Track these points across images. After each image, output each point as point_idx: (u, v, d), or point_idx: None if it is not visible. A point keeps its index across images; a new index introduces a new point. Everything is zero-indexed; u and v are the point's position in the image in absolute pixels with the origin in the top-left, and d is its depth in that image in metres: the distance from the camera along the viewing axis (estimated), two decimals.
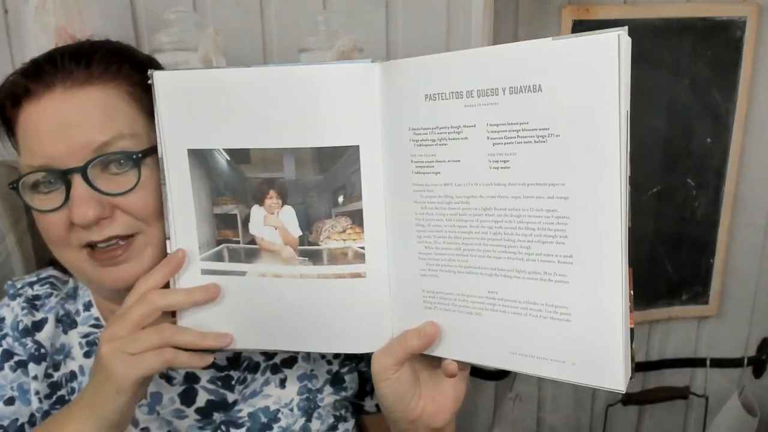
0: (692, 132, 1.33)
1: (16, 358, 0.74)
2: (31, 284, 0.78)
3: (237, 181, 0.64)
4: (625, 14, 1.25)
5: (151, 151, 0.67)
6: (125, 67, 0.69)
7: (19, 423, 0.72)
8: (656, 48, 1.26)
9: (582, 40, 0.50)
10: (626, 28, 0.50)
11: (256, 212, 0.64)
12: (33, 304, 0.76)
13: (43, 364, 0.74)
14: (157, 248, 0.68)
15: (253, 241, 0.65)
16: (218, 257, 0.66)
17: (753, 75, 1.31)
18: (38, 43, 1.04)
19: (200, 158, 0.64)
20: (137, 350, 0.59)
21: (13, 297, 0.76)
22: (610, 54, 0.49)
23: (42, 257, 1.20)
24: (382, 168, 0.61)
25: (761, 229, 1.42)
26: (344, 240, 0.62)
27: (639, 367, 1.49)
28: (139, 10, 1.08)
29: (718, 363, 1.51)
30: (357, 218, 0.62)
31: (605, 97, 0.50)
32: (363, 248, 0.62)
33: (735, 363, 1.51)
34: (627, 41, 0.50)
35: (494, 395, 1.49)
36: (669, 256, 1.39)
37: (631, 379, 0.55)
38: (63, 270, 0.78)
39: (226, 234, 0.65)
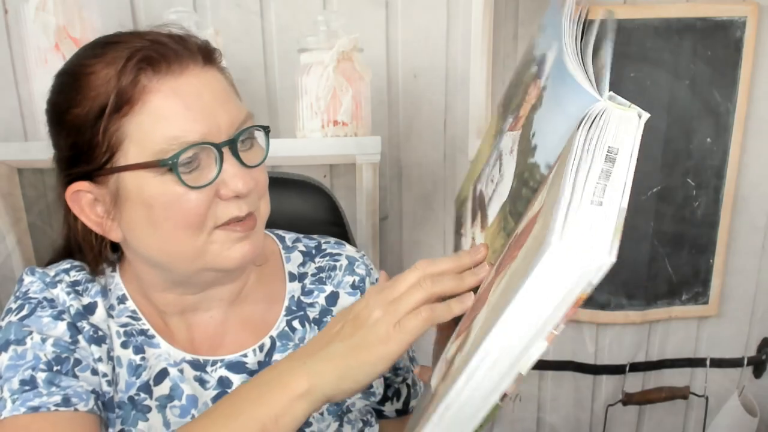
0: (692, 132, 1.33)
1: (84, 335, 0.70)
2: (66, 271, 0.74)
3: None
4: (625, 14, 1.25)
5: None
6: (216, 54, 0.72)
7: (106, 396, 0.70)
8: (656, 48, 1.26)
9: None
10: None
11: None
12: (76, 289, 0.72)
13: (104, 346, 0.71)
14: (262, 223, 0.71)
15: None
16: None
17: (753, 75, 1.31)
18: (38, 43, 1.04)
19: None
20: (403, 313, 0.56)
21: (53, 284, 0.72)
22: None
23: (42, 257, 1.20)
24: None
25: (761, 229, 1.42)
26: None
27: (639, 367, 1.49)
28: (139, 10, 1.08)
29: (718, 363, 1.51)
30: None
31: None
32: None
33: (735, 363, 1.51)
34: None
35: None
36: (669, 256, 1.39)
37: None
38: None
39: None
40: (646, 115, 0.49)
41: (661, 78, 1.28)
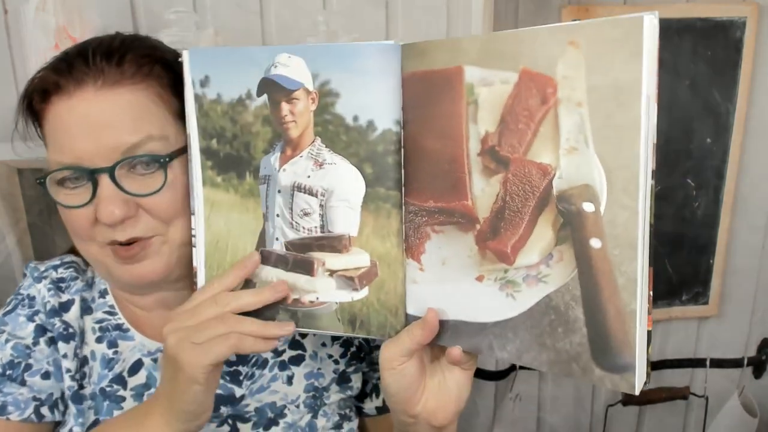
0: (692, 132, 1.33)
1: (49, 335, 0.74)
2: (55, 267, 0.78)
3: None
4: (625, 14, 1.25)
5: (179, 152, 0.68)
6: (156, 67, 0.69)
7: (54, 398, 0.73)
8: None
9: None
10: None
11: None
12: (59, 286, 0.76)
13: (72, 343, 0.74)
14: (172, 246, 0.69)
15: None
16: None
17: (753, 75, 1.31)
18: (38, 43, 1.04)
19: None
20: (203, 339, 0.59)
21: (39, 279, 0.76)
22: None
23: (42, 257, 1.20)
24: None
25: (761, 229, 1.42)
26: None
27: None
28: (139, 10, 1.08)
29: (718, 363, 1.51)
30: None
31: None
32: None
33: (735, 363, 1.51)
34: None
35: (494, 395, 1.49)
36: (669, 256, 1.39)
37: (646, 383, 0.54)
38: (83, 259, 0.79)
39: None
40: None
41: (660, 78, 1.28)
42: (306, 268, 0.64)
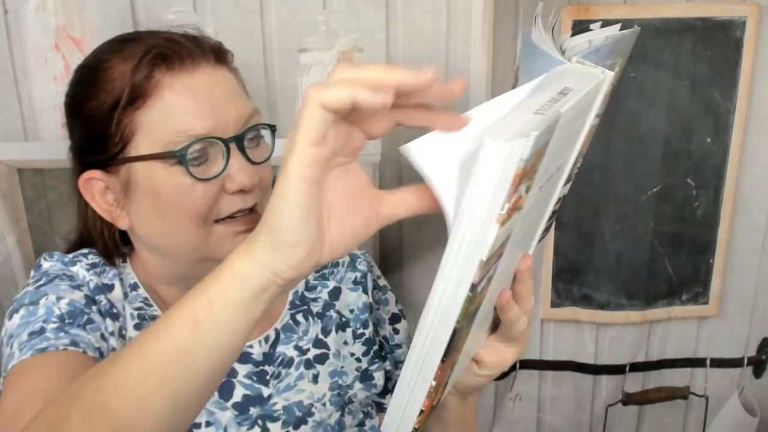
0: (692, 132, 1.33)
1: (97, 307, 0.72)
2: (84, 255, 0.76)
3: None
4: (625, 14, 1.25)
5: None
6: (228, 55, 0.76)
7: None
8: (656, 48, 1.26)
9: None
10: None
11: None
12: (95, 270, 0.75)
13: (118, 323, 0.73)
14: None
15: None
16: None
17: (753, 75, 1.31)
18: (38, 43, 1.04)
19: None
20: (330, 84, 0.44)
21: (72, 263, 0.74)
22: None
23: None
24: None
25: (761, 229, 1.42)
26: None
27: (639, 367, 1.49)
28: (139, 10, 1.08)
29: (718, 363, 1.51)
30: None
31: None
32: None
33: (735, 363, 1.51)
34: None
35: (494, 395, 1.49)
36: (669, 256, 1.39)
37: None
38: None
39: None
40: (609, 73, 0.52)
41: (661, 78, 1.28)
42: None
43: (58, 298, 0.68)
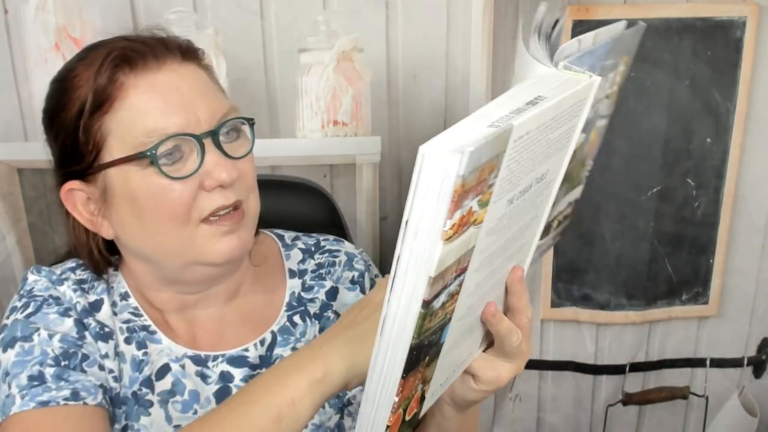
0: (692, 132, 1.33)
1: (88, 332, 0.71)
2: (72, 269, 0.75)
3: None
4: (625, 14, 1.25)
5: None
6: (198, 52, 0.73)
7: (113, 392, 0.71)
8: (656, 48, 1.26)
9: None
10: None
11: None
12: (82, 287, 0.74)
13: (111, 342, 0.72)
14: (250, 216, 0.71)
15: None
16: None
17: (753, 75, 1.31)
18: (38, 43, 1.05)
19: None
20: None
21: (59, 282, 0.73)
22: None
23: (42, 257, 1.20)
24: None
25: (761, 229, 1.42)
26: None
27: (639, 367, 1.49)
28: (139, 10, 1.08)
29: (718, 363, 1.51)
30: None
31: None
32: None
33: (735, 363, 1.51)
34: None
35: (494, 395, 1.49)
36: (669, 256, 1.39)
37: None
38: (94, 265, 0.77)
39: None
40: (597, 78, 0.50)
41: (661, 78, 1.28)
42: None
43: (51, 335, 0.68)
